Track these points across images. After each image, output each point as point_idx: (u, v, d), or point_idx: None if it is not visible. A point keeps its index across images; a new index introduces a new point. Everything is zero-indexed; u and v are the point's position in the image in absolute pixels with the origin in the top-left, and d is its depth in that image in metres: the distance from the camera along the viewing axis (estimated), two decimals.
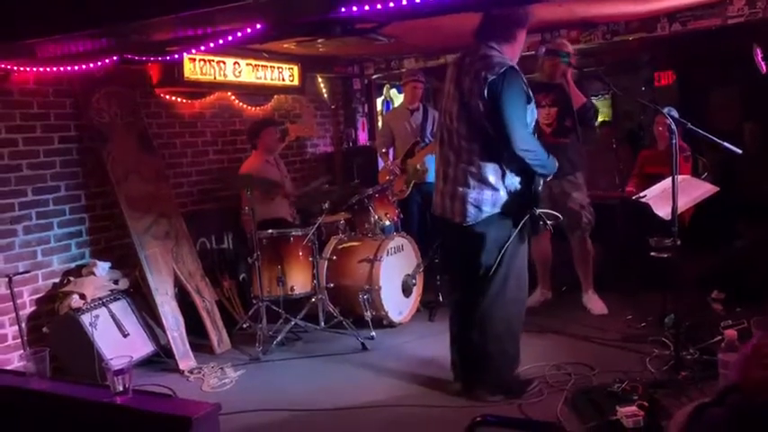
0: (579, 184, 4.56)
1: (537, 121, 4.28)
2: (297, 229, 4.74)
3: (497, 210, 3.24)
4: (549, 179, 3.44)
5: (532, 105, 3.29)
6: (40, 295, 4.22)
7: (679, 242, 3.48)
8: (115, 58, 3.97)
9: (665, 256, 3.90)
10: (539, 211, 3.29)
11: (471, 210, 3.22)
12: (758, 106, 5.93)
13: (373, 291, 4.65)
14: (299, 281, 4.61)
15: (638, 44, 5.73)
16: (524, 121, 3.20)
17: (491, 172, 3.21)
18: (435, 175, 3.51)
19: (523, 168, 3.24)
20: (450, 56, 6.06)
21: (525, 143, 3.16)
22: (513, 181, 3.25)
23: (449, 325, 3.56)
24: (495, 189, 3.22)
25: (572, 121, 4.40)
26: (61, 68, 4.09)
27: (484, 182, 3.21)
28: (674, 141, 3.37)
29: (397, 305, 4.87)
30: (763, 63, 5.60)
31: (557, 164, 3.38)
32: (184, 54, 4.49)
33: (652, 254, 4.06)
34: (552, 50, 4.14)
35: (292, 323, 4.53)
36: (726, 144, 3.43)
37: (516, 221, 3.26)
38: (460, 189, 3.25)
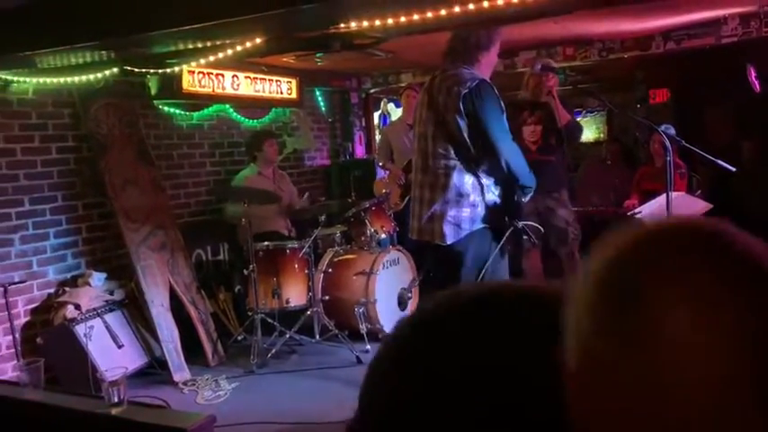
0: (564, 201, 4.60)
1: (522, 139, 4.35)
2: (293, 241, 4.75)
3: (477, 226, 3.23)
4: (529, 196, 3.41)
5: (505, 118, 3.32)
6: (35, 305, 4.21)
7: None
8: (115, 69, 3.99)
9: None
10: (521, 223, 3.28)
11: (451, 229, 3.22)
12: (753, 124, 5.99)
13: (369, 304, 4.65)
14: (294, 293, 4.61)
15: (633, 62, 5.79)
16: (507, 130, 3.23)
17: (470, 188, 3.21)
18: (412, 199, 3.50)
19: (503, 180, 3.26)
20: None
21: (512, 153, 3.19)
22: (493, 194, 3.26)
23: None
24: (473, 205, 3.21)
25: (557, 139, 4.45)
26: (61, 80, 4.11)
27: (462, 198, 3.20)
28: (668, 159, 3.40)
29: (393, 318, 4.85)
30: (756, 82, 5.66)
31: (534, 179, 3.38)
32: (183, 66, 4.51)
33: None
34: (547, 67, 4.20)
35: (287, 336, 4.52)
36: (720, 162, 3.46)
37: (498, 236, 3.27)
38: (439, 209, 3.24)
